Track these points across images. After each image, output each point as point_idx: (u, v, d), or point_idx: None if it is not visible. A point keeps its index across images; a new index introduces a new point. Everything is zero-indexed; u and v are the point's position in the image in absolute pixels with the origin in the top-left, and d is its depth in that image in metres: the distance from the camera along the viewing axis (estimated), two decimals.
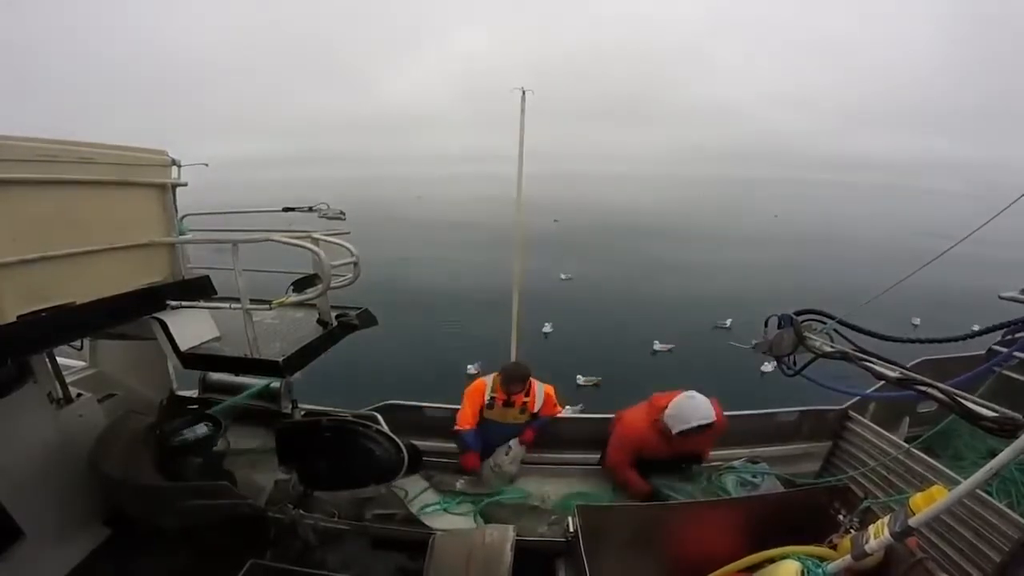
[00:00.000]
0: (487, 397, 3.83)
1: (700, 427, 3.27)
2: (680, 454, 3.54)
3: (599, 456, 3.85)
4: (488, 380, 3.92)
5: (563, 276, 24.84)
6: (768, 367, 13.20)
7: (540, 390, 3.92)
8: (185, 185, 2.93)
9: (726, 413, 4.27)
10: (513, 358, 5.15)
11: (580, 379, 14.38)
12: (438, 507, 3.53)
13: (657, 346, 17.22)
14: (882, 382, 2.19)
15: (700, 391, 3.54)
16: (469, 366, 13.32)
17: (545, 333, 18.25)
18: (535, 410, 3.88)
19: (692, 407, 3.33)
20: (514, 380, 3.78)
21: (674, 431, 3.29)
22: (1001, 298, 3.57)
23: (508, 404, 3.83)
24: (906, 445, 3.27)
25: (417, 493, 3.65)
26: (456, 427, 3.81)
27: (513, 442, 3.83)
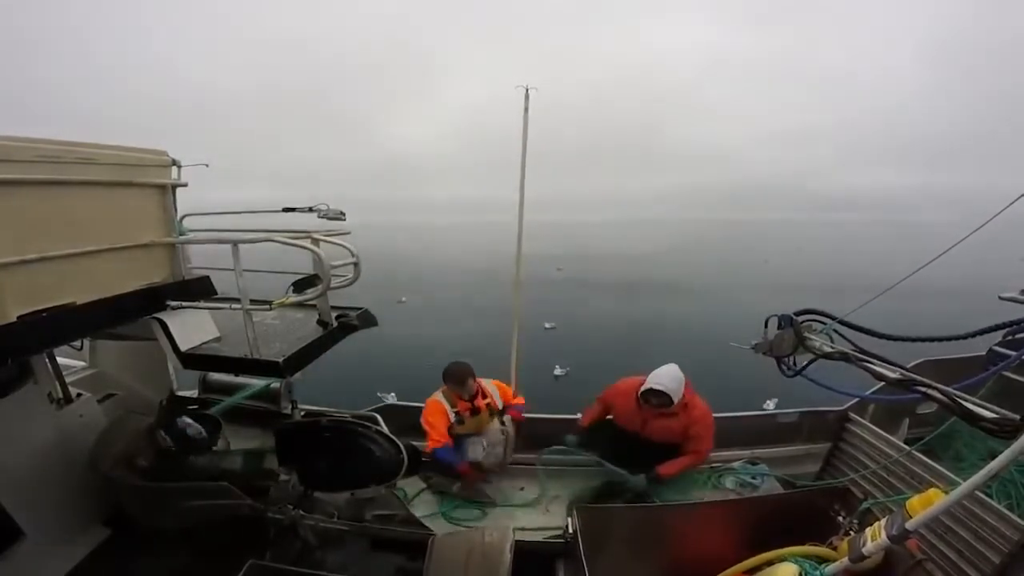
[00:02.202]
0: (451, 415, 3.60)
1: (653, 393, 3.36)
2: (645, 436, 3.53)
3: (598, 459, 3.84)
4: (439, 398, 3.66)
5: (547, 326, 24.47)
6: (771, 405, 12.24)
7: (493, 388, 3.84)
8: (185, 185, 2.93)
9: (726, 413, 4.27)
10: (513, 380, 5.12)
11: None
12: (437, 513, 3.51)
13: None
14: (882, 383, 2.18)
15: None
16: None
17: (556, 376, 18.21)
18: (501, 407, 3.82)
19: (658, 370, 3.46)
20: (466, 378, 3.60)
21: (643, 387, 3.43)
22: (1001, 298, 3.57)
23: (476, 412, 3.67)
24: (906, 447, 3.27)
25: (415, 494, 3.64)
26: (429, 448, 3.58)
27: (475, 440, 3.65)
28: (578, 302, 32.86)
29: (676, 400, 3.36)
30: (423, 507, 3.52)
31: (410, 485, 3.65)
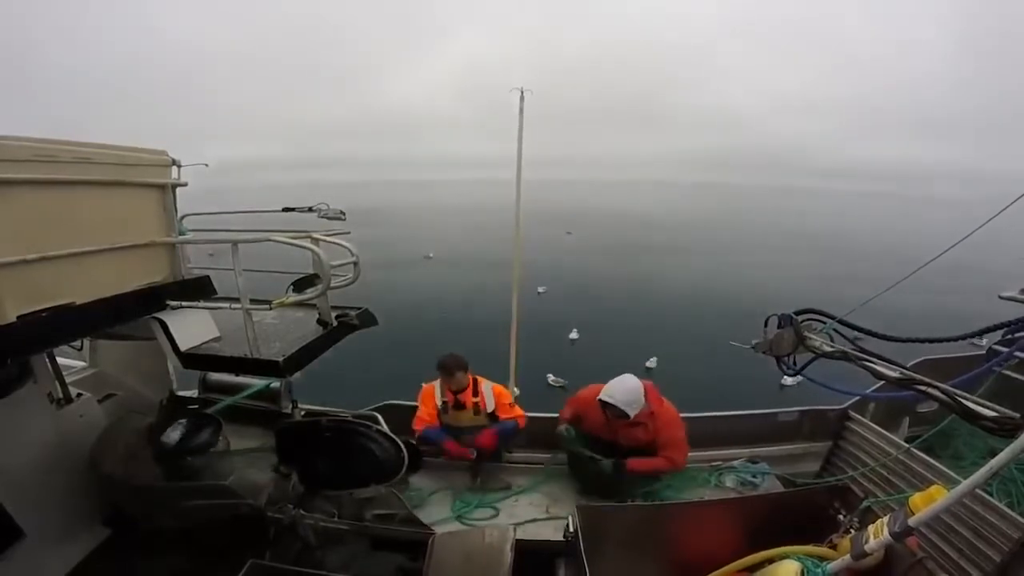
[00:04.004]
0: (439, 401, 3.77)
1: (606, 405, 3.34)
2: (616, 443, 3.53)
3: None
4: (435, 383, 3.85)
5: (540, 290, 24.08)
6: (789, 381, 12.46)
7: (488, 389, 3.81)
8: (185, 185, 2.93)
9: (726, 413, 4.28)
10: (512, 364, 5.09)
11: (551, 378, 14.27)
12: (451, 517, 3.46)
13: (651, 363, 16.69)
14: (882, 382, 2.19)
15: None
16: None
17: (572, 340, 18.13)
18: (489, 410, 3.77)
19: (613, 381, 3.42)
20: (449, 370, 3.66)
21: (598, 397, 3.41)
22: (1001, 298, 3.57)
23: (459, 406, 3.75)
24: (906, 445, 3.27)
25: (429, 494, 3.63)
26: (415, 431, 3.75)
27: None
28: (585, 264, 32.55)
29: (632, 413, 3.32)
30: (437, 509, 3.48)
31: (422, 486, 3.65)
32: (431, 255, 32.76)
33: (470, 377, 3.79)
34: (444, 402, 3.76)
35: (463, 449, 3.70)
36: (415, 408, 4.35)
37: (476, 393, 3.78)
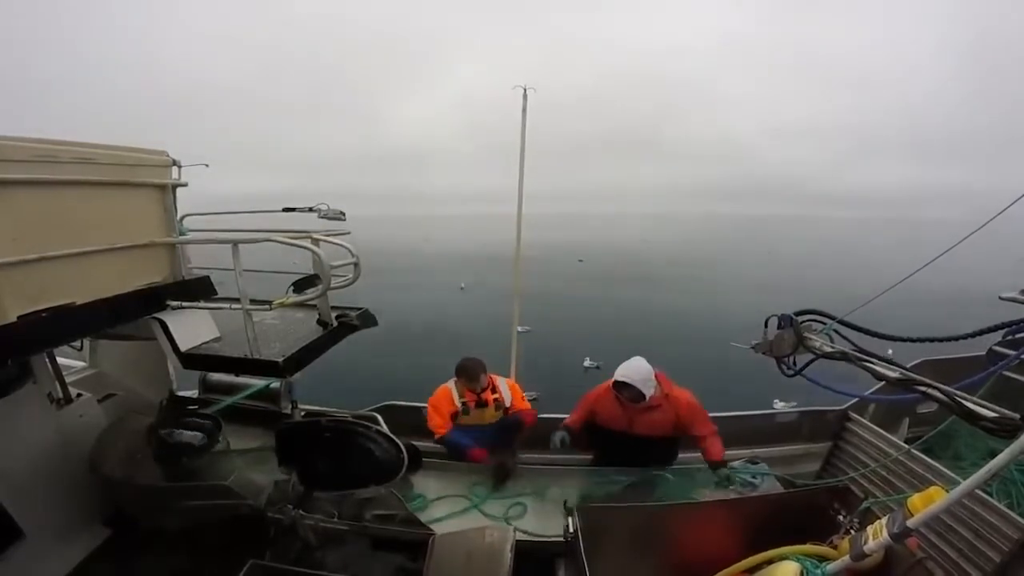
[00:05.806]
0: (458, 404, 3.75)
1: (622, 385, 3.36)
2: (634, 434, 3.52)
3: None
4: (451, 386, 3.82)
5: (520, 329, 23.64)
6: (780, 404, 11.62)
7: (503, 384, 3.90)
8: (185, 185, 2.93)
9: (726, 413, 4.28)
10: (512, 371, 5.11)
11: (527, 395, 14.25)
12: (451, 515, 3.37)
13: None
14: (882, 383, 2.19)
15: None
16: None
17: (586, 367, 18.07)
18: (508, 405, 3.84)
19: (625, 363, 3.46)
20: (479, 373, 3.70)
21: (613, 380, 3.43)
22: (1001, 299, 3.57)
23: (481, 404, 3.77)
24: (906, 446, 3.27)
25: (435, 497, 3.59)
26: (436, 435, 3.74)
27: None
28: (595, 294, 33.21)
29: (648, 393, 3.37)
30: (437, 509, 3.43)
31: (423, 487, 3.63)
32: (463, 286, 35.60)
33: (489, 377, 3.85)
34: (464, 403, 3.75)
35: (484, 454, 3.70)
36: (415, 408, 4.32)
37: (494, 390, 3.83)
